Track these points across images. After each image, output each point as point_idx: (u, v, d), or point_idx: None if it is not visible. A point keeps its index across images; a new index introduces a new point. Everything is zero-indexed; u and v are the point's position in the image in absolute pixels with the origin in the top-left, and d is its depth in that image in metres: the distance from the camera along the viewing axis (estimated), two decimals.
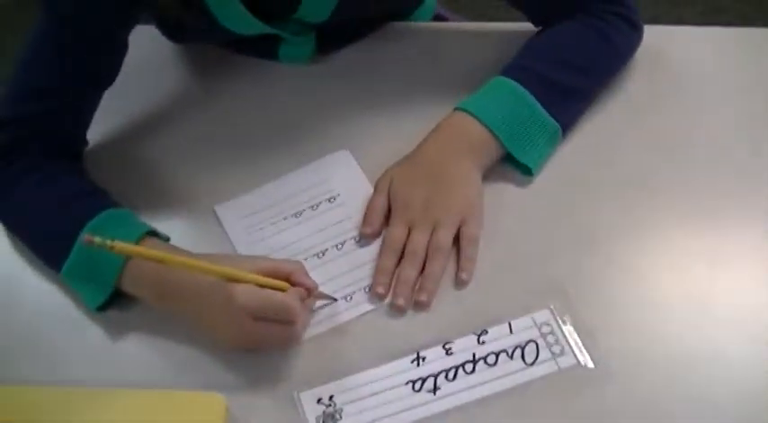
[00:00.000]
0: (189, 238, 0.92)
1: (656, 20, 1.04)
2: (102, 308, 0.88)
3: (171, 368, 0.85)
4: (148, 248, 0.84)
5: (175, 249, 0.87)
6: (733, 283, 0.87)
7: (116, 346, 0.87)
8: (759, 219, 0.91)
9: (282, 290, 0.82)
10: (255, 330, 0.80)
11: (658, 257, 0.89)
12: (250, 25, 0.99)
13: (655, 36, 1.04)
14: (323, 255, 0.91)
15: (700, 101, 1.02)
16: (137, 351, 0.87)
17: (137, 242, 0.85)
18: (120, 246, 0.76)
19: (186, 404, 0.80)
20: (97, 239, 0.75)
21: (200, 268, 0.80)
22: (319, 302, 0.87)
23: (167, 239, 0.90)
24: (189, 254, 0.85)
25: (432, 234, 0.89)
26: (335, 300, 0.87)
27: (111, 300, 0.88)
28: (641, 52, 1.04)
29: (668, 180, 0.94)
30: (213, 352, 0.84)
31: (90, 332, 0.88)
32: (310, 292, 0.83)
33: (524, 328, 0.85)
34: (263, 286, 0.81)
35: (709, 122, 1.00)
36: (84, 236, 0.75)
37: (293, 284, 0.83)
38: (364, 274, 0.89)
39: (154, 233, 0.88)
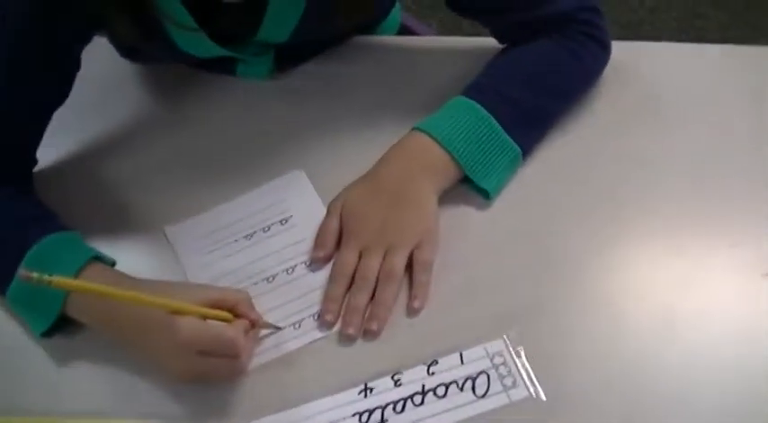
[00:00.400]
0: (138, 260, 0.91)
1: (631, 25, 1.01)
2: (48, 334, 0.86)
3: (116, 396, 0.82)
4: (90, 279, 0.81)
5: (120, 276, 0.84)
6: (700, 314, 0.84)
7: (60, 373, 0.85)
8: (727, 244, 0.88)
9: (227, 321, 0.80)
10: (199, 364, 0.78)
11: (621, 285, 0.86)
12: (210, 49, 0.96)
13: (622, 51, 1.01)
14: (273, 279, 0.89)
15: (667, 119, 0.99)
16: (82, 377, 0.84)
17: (81, 268, 0.82)
18: (59, 280, 0.74)
19: None
20: (35, 275, 0.72)
21: (142, 301, 0.77)
22: (265, 331, 0.85)
23: (113, 264, 0.88)
24: (134, 281, 0.83)
25: (384, 258, 0.87)
26: (280, 328, 0.84)
27: (58, 324, 0.85)
28: (607, 68, 1.01)
29: (634, 204, 0.92)
30: (159, 380, 0.82)
31: (34, 358, 0.86)
32: (254, 324, 0.81)
33: (476, 358, 0.82)
34: (206, 318, 0.79)
35: (677, 142, 0.97)
36: (21, 271, 0.73)
37: (237, 316, 0.81)
38: (314, 301, 0.87)
39: (99, 258, 0.86)
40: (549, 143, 0.96)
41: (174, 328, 0.76)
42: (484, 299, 0.85)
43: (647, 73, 1.03)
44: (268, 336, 0.85)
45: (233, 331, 0.77)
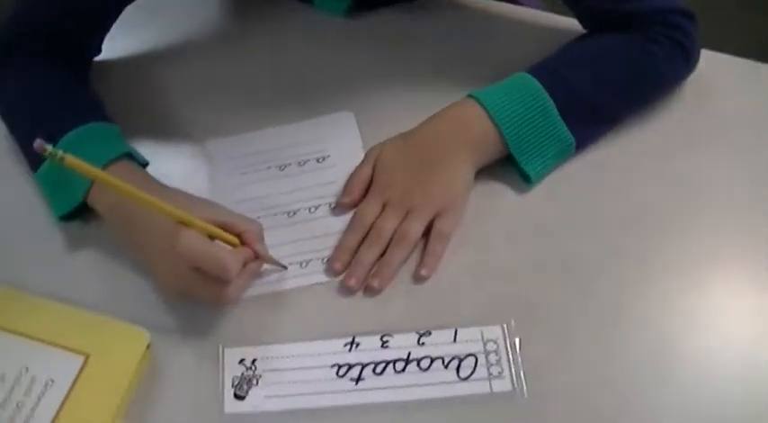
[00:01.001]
0: (170, 167, 0.90)
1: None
2: (67, 217, 0.86)
3: (114, 294, 0.83)
4: (116, 174, 0.79)
5: (145, 178, 0.84)
6: (706, 340, 0.79)
7: (68, 259, 0.86)
8: (754, 278, 0.83)
9: (232, 245, 0.79)
10: (188, 279, 0.76)
11: (635, 303, 0.81)
12: None
13: (708, 64, 0.95)
14: (293, 214, 0.87)
15: (732, 143, 0.92)
16: (87, 269, 0.85)
17: (111, 160, 0.82)
18: (71, 160, 0.73)
19: (111, 332, 0.79)
20: (49, 148, 0.72)
21: (153, 204, 0.77)
22: (269, 266, 0.83)
23: (145, 164, 0.88)
24: (156, 186, 0.82)
25: (403, 220, 0.84)
26: (285, 267, 0.83)
27: (78, 212, 0.86)
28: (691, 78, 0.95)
29: (670, 223, 0.86)
30: (152, 287, 0.82)
31: (47, 239, 0.87)
32: (258, 256, 0.80)
33: (469, 339, 0.79)
34: (213, 237, 0.78)
35: (735, 167, 0.90)
36: (39, 141, 0.72)
37: (244, 244, 0.79)
38: (327, 245, 0.85)
39: (132, 156, 0.85)
40: (604, 143, 0.91)
41: (174, 236, 0.75)
42: (492, 284, 0.83)
43: (726, 90, 0.96)
44: (272, 272, 0.84)
45: (231, 257, 0.75)
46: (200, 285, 0.77)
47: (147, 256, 0.80)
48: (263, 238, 0.80)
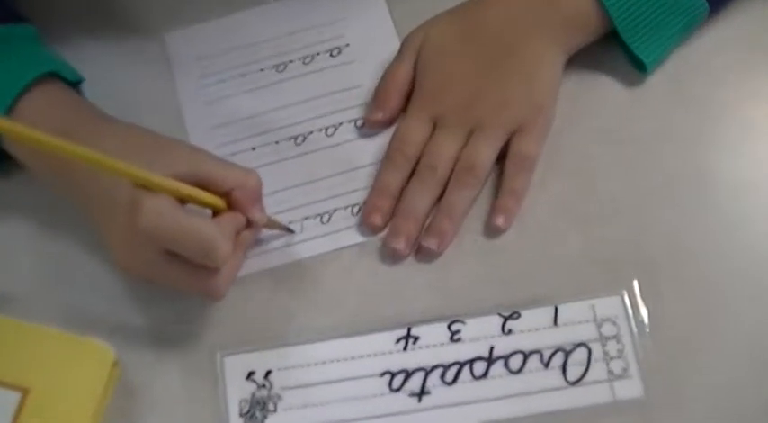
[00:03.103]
0: (115, 82, 0.69)
1: None
2: None
3: (48, 287, 0.64)
4: (32, 109, 0.59)
5: (78, 109, 0.62)
6: None
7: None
8: None
9: (216, 209, 0.58)
10: (159, 267, 0.58)
11: None
12: None
13: None
14: (303, 140, 0.67)
15: None
16: (10, 249, 0.65)
17: (27, 86, 0.60)
18: None
19: (59, 351, 0.60)
20: None
21: (93, 160, 0.53)
22: (270, 232, 0.64)
23: (78, 82, 0.65)
24: (96, 122, 0.61)
25: (467, 142, 0.65)
26: (293, 232, 0.64)
27: None
28: None
29: None
30: (113, 274, 0.63)
31: None
32: (253, 223, 0.59)
33: (577, 320, 0.59)
34: (185, 201, 0.56)
35: None
36: None
37: (231, 207, 0.58)
38: (356, 185, 0.66)
39: (57, 73, 0.63)
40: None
41: (134, 207, 0.55)
42: (599, 230, 0.63)
43: None
44: (276, 237, 0.63)
45: (214, 230, 0.56)
46: (176, 274, 0.58)
47: (99, 230, 0.60)
48: (260, 197, 0.60)
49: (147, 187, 0.55)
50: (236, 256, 0.59)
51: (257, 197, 0.60)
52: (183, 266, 0.57)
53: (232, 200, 0.58)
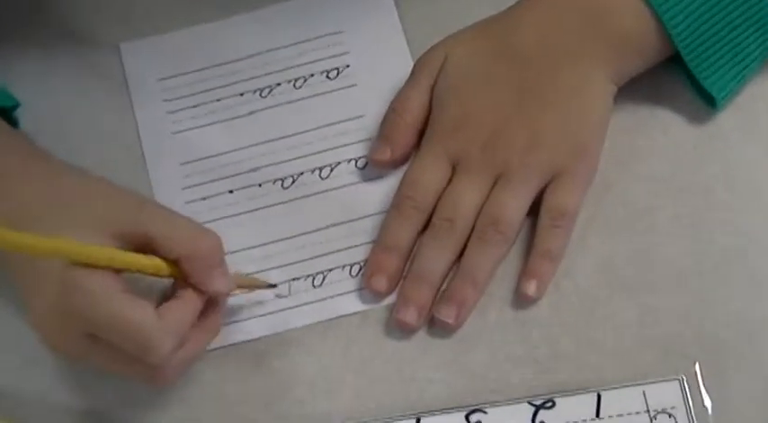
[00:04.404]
0: (68, 97, 0.75)
1: None
2: None
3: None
4: None
5: (4, 138, 0.67)
6: None
7: None
8: None
9: (166, 276, 0.62)
10: (96, 354, 0.62)
11: None
12: None
13: None
14: (292, 183, 0.71)
15: None
16: None
17: None
18: None
19: None
20: None
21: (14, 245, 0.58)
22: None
23: (11, 107, 0.71)
24: (21, 153, 0.67)
25: (492, 190, 0.69)
26: (274, 286, 0.68)
27: None
28: None
29: None
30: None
31: None
32: (214, 300, 0.63)
33: (626, 411, 0.64)
34: (121, 270, 0.61)
35: None
36: None
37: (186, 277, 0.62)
38: (356, 240, 0.70)
39: None
40: None
41: (66, 289, 0.59)
42: (656, 300, 0.67)
43: None
44: (257, 301, 0.68)
45: (153, 325, 0.59)
46: (113, 361, 0.62)
47: (25, 302, 0.64)
48: (218, 261, 0.63)
49: (79, 262, 0.58)
50: (188, 350, 0.61)
51: (214, 263, 0.62)
52: (116, 355, 0.60)
53: (185, 270, 0.61)
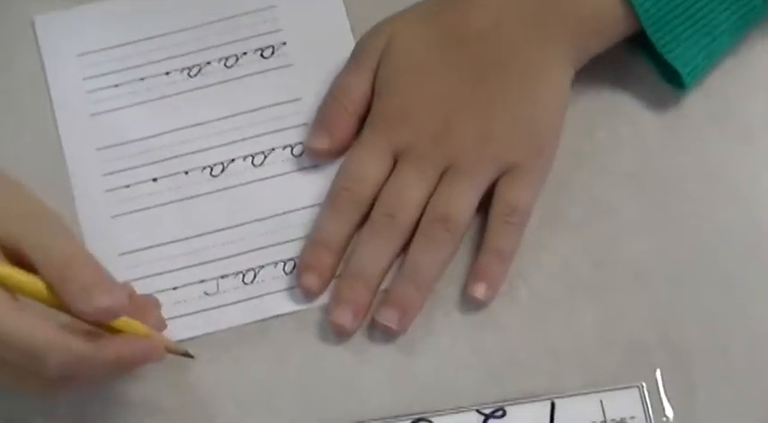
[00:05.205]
0: None
1: None
2: None
3: None
4: None
5: None
6: None
7: None
8: None
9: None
10: None
11: None
12: None
13: None
14: (221, 171, 0.69)
15: None
16: None
17: None
18: None
19: None
20: None
21: None
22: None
23: None
24: None
25: (440, 184, 0.67)
26: (192, 357, 0.64)
27: None
28: None
29: None
30: None
31: None
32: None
33: (581, 420, 0.62)
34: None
35: None
36: None
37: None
38: (289, 234, 0.68)
39: None
40: None
41: None
42: (616, 302, 0.66)
43: None
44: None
45: (49, 335, 0.56)
46: (7, 380, 0.60)
47: None
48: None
49: None
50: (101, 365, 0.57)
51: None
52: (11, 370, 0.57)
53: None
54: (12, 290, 0.57)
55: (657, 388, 0.62)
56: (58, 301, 0.57)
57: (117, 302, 0.57)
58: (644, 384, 0.62)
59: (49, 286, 0.57)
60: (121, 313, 0.57)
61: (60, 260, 0.57)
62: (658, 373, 0.62)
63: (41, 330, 0.56)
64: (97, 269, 0.57)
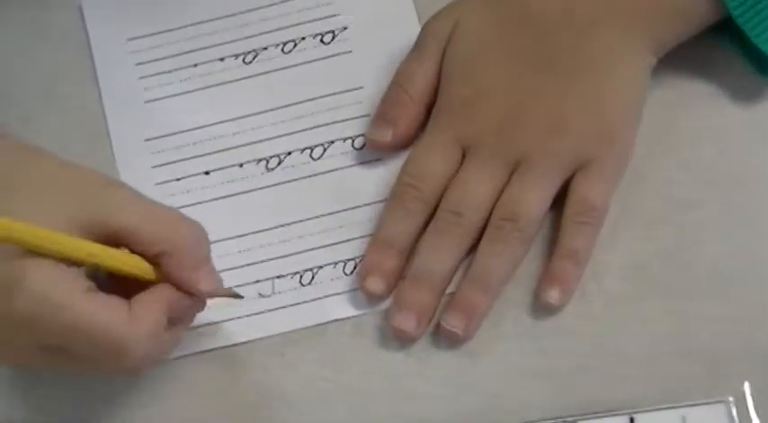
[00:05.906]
0: (20, 59, 0.71)
1: None
2: None
3: None
4: None
5: None
6: None
7: None
8: None
9: (141, 278, 0.57)
10: (49, 361, 0.59)
11: None
12: None
13: None
14: (278, 164, 0.67)
15: None
16: None
17: None
18: None
19: None
20: None
21: None
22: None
23: None
24: None
25: (509, 181, 0.65)
26: (241, 297, 0.64)
27: None
28: None
29: None
30: None
31: None
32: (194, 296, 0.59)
33: None
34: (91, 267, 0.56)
35: None
36: None
37: (161, 274, 0.58)
38: (351, 232, 0.66)
39: None
40: None
41: (11, 285, 0.54)
42: (698, 309, 0.63)
43: None
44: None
45: (124, 329, 0.55)
46: (71, 365, 0.59)
47: None
48: (207, 256, 0.59)
49: (33, 250, 0.53)
50: (170, 335, 0.58)
51: (201, 259, 0.58)
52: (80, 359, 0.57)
53: (164, 266, 0.56)
54: (109, 271, 0.56)
55: (746, 402, 0.60)
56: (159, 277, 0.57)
57: (217, 283, 0.59)
58: (731, 399, 0.60)
59: (153, 258, 0.57)
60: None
61: (170, 228, 0.58)
62: (746, 385, 0.60)
63: (122, 326, 0.56)
64: (205, 240, 0.59)
